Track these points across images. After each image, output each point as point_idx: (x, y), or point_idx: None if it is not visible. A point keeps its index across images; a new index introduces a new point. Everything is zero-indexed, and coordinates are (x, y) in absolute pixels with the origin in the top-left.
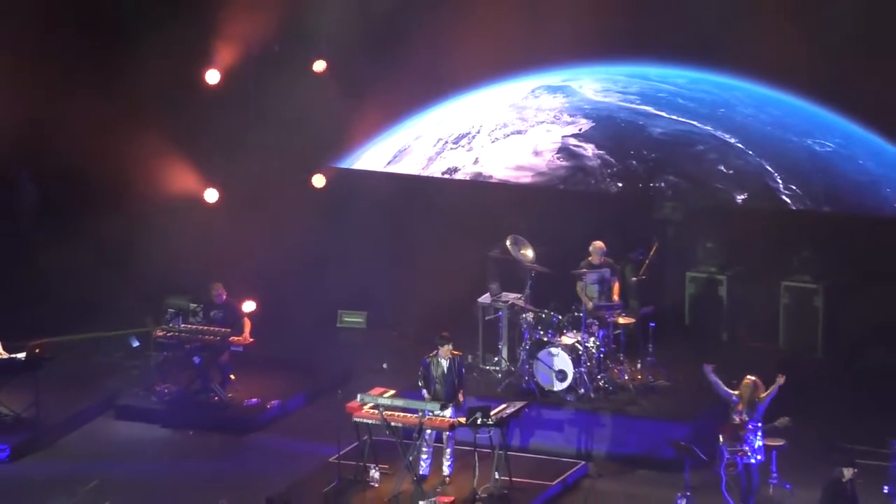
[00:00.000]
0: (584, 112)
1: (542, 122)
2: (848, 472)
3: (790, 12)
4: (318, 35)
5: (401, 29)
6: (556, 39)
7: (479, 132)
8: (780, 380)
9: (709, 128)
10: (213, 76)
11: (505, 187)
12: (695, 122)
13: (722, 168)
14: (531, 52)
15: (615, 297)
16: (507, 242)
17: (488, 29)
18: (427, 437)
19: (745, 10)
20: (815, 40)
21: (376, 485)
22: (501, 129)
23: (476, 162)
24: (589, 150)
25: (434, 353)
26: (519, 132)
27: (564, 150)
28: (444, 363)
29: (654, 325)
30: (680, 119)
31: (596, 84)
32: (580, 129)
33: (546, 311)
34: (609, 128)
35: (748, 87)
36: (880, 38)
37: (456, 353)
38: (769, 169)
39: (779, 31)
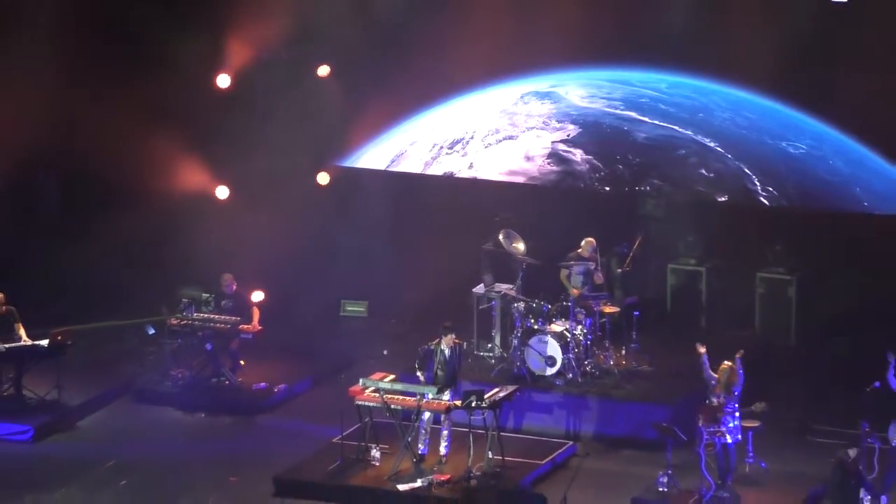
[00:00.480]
0: (571, 118)
1: (533, 128)
2: (853, 452)
3: (761, 18)
4: (321, 42)
5: (398, 36)
6: (543, 45)
7: (472, 138)
8: (739, 354)
9: (689, 132)
10: (224, 81)
11: (497, 185)
12: (676, 127)
13: (703, 171)
14: (519, 58)
15: (599, 281)
16: (500, 236)
17: (480, 35)
18: (424, 419)
19: (720, 16)
20: (784, 44)
21: (377, 464)
22: (494, 134)
23: (471, 167)
24: (578, 155)
25: (437, 340)
26: (511, 137)
27: (554, 156)
28: (447, 351)
29: (637, 313)
30: (662, 124)
31: (581, 90)
32: (568, 135)
33: (536, 300)
34: (596, 133)
35: (724, 90)
36: (846, 42)
37: (457, 341)
38: (747, 171)
39: (750, 35)
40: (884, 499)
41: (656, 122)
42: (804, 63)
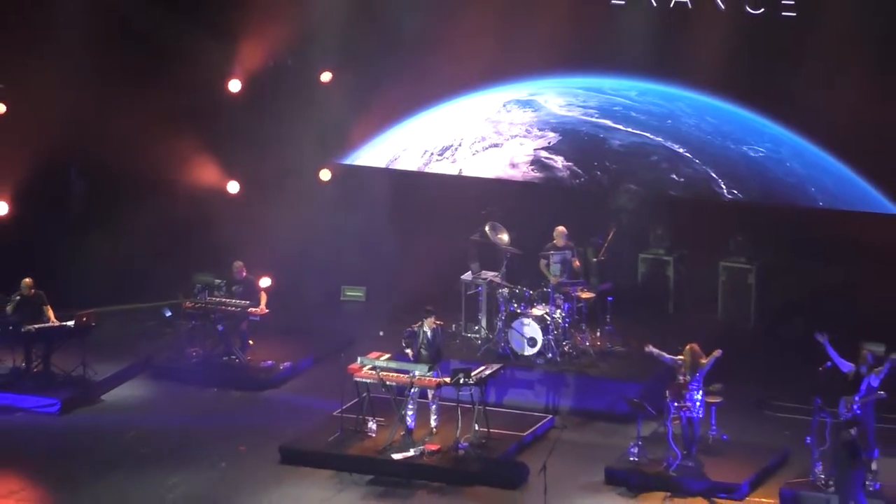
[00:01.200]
0: (551, 126)
1: (516, 136)
2: (855, 432)
3: (721, 29)
4: (324, 50)
5: (393, 44)
6: (521, 53)
7: (460, 145)
8: (717, 353)
9: (660, 139)
10: (235, 85)
11: (483, 182)
12: (647, 134)
13: (674, 176)
14: (501, 65)
15: (577, 276)
16: (486, 228)
17: (465, 42)
18: (412, 394)
19: (683, 26)
20: (743, 53)
21: (374, 435)
22: (480, 142)
23: (460, 173)
24: (559, 161)
25: (419, 323)
26: (496, 145)
27: (537, 163)
28: (429, 332)
29: (611, 299)
30: (635, 131)
31: (559, 98)
32: (549, 143)
33: (519, 287)
34: (574, 140)
35: (689, 95)
36: (799, 50)
37: (438, 322)
38: (714, 175)
39: (711, 44)
40: (876, 452)
41: (629, 129)
42: (761, 69)
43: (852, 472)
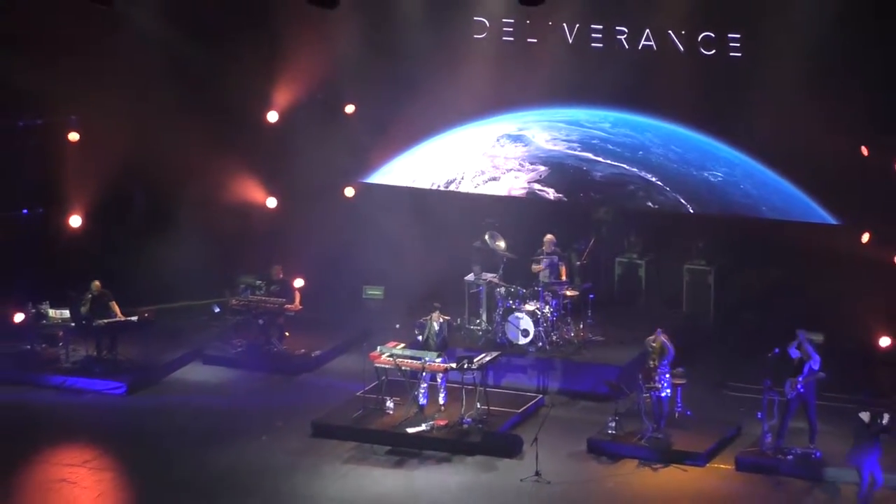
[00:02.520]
0: (541, 160)
1: (511, 170)
2: (865, 416)
3: (680, 64)
4: (348, 87)
5: (402, 83)
6: (512, 89)
7: (462, 178)
8: (665, 336)
9: (635, 170)
10: (273, 116)
11: (484, 198)
12: (624, 165)
13: (650, 204)
14: (493, 100)
15: (563, 277)
16: (486, 236)
17: (459, 79)
18: (424, 377)
19: (649, 64)
20: (699, 84)
21: (391, 412)
22: (480, 175)
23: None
24: (550, 193)
25: (428, 316)
26: (494, 179)
27: (532, 195)
28: (436, 324)
29: (592, 296)
30: (613, 163)
31: (545, 133)
32: (541, 176)
33: (514, 286)
34: (562, 173)
35: (656, 124)
36: (746, 81)
37: (445, 317)
38: (683, 202)
39: (673, 78)
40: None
41: (609, 161)
42: (715, 100)
43: (868, 447)
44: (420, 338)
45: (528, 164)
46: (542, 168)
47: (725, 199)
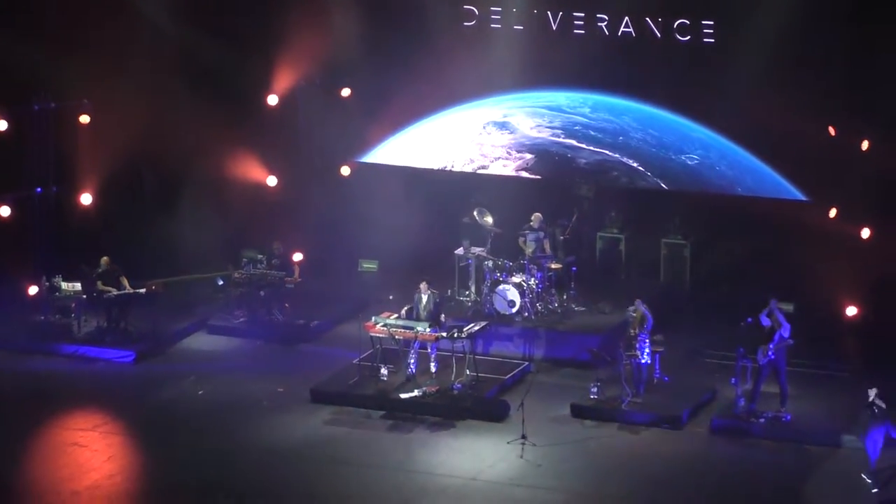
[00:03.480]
0: (527, 147)
1: (499, 158)
2: (872, 393)
3: (657, 50)
4: (343, 72)
5: (394, 68)
6: (496, 73)
7: (453, 166)
8: (644, 305)
9: (617, 155)
10: (273, 100)
11: (472, 176)
12: (606, 152)
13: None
14: (478, 84)
15: (547, 250)
16: (474, 212)
17: (446, 64)
18: (416, 346)
19: (628, 48)
20: (675, 68)
21: (385, 379)
22: (470, 164)
23: (452, 168)
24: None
25: (419, 289)
26: (483, 167)
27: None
28: (425, 297)
29: (575, 269)
30: (596, 150)
31: (529, 120)
32: (527, 164)
33: (501, 259)
34: (547, 160)
35: (633, 107)
36: (720, 66)
37: (433, 291)
38: (664, 186)
39: (650, 62)
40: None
41: (591, 148)
42: (690, 82)
43: (876, 426)
44: (412, 307)
45: (514, 152)
46: (529, 156)
47: (703, 182)
